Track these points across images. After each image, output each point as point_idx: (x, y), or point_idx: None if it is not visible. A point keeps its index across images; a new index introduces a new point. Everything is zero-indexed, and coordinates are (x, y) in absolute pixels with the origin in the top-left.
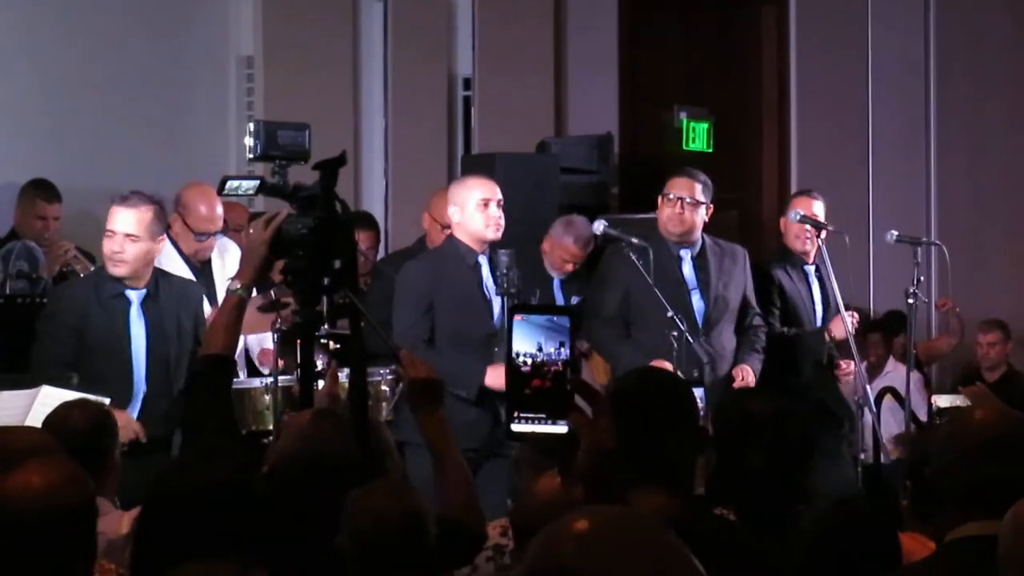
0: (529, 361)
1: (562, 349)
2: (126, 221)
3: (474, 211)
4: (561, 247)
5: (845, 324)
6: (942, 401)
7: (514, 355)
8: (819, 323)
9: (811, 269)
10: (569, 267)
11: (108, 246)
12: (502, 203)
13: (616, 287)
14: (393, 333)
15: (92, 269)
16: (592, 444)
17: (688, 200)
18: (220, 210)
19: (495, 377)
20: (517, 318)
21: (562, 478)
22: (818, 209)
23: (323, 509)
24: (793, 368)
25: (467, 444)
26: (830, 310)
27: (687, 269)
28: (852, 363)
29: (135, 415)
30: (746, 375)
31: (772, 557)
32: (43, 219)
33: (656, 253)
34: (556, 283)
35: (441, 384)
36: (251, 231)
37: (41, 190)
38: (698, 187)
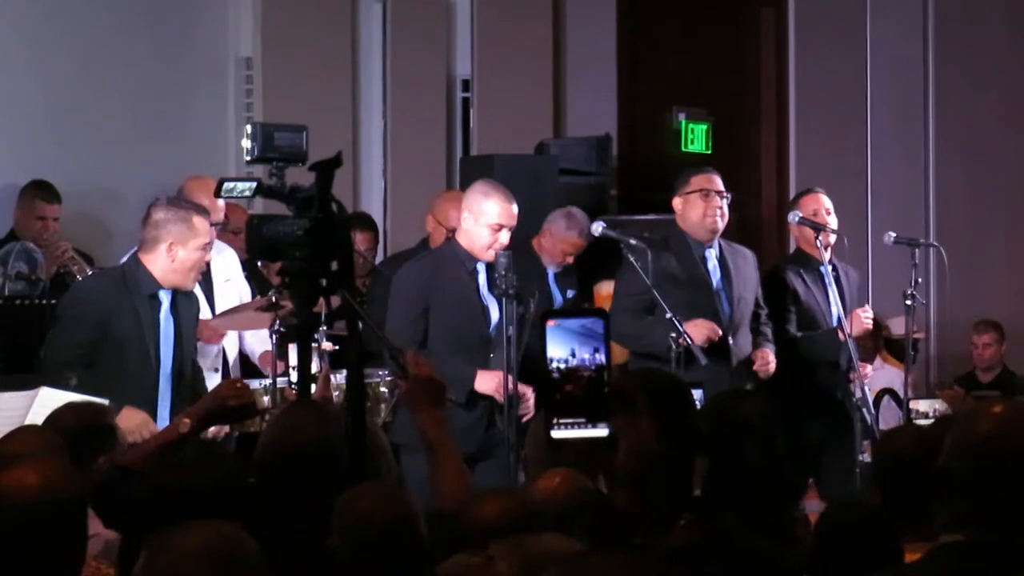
0: (562, 367)
1: (597, 355)
2: None
3: (485, 229)
4: (565, 241)
5: (861, 320)
6: (921, 405)
7: (548, 361)
8: (836, 324)
9: (827, 270)
10: (570, 259)
11: (204, 257)
12: (513, 229)
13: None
14: (386, 334)
15: (89, 271)
16: (633, 447)
17: (724, 194)
18: (221, 202)
19: (485, 382)
20: (550, 324)
21: (607, 483)
22: (827, 203)
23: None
24: (807, 371)
25: (462, 449)
26: (847, 310)
27: (713, 270)
28: (868, 365)
29: (166, 414)
30: (765, 356)
31: (771, 558)
32: (42, 219)
33: (680, 254)
34: (552, 277)
35: (443, 386)
36: (226, 394)
37: (41, 190)
38: (720, 181)
